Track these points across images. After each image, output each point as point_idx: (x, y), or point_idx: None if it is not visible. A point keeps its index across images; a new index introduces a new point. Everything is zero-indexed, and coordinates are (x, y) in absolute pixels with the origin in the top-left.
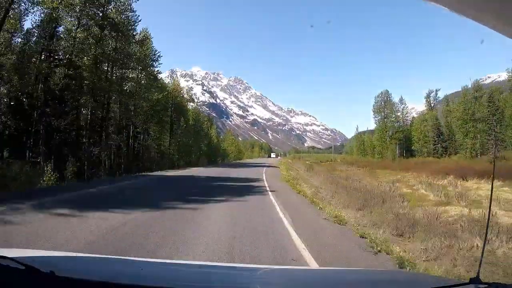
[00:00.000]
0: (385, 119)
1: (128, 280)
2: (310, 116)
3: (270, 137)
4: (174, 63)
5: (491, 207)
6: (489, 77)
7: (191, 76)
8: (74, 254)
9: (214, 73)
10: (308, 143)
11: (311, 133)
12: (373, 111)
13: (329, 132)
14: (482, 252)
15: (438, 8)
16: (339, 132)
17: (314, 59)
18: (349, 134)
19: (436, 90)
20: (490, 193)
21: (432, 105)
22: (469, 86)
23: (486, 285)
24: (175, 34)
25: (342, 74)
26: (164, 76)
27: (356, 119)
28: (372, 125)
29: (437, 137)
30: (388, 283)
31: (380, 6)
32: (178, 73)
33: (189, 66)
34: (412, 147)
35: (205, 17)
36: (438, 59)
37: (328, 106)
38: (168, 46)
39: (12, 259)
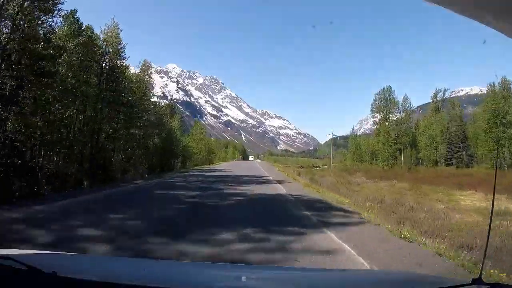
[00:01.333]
0: (388, 121)
1: (130, 280)
2: (284, 119)
3: (244, 138)
4: (150, 60)
5: None
6: (461, 90)
7: (166, 72)
8: (76, 254)
9: (190, 71)
10: (281, 146)
11: (284, 136)
12: (372, 110)
13: (302, 136)
14: (484, 254)
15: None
16: (312, 137)
17: (291, 63)
18: (321, 139)
19: (444, 90)
20: None
21: (439, 106)
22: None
23: (488, 286)
24: (151, 31)
25: (318, 80)
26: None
27: (329, 125)
28: (347, 131)
29: (461, 142)
30: (390, 283)
31: (372, 5)
32: (153, 69)
33: (165, 63)
34: (420, 154)
35: (186, 17)
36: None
37: (302, 111)
38: (145, 43)
39: (14, 259)
